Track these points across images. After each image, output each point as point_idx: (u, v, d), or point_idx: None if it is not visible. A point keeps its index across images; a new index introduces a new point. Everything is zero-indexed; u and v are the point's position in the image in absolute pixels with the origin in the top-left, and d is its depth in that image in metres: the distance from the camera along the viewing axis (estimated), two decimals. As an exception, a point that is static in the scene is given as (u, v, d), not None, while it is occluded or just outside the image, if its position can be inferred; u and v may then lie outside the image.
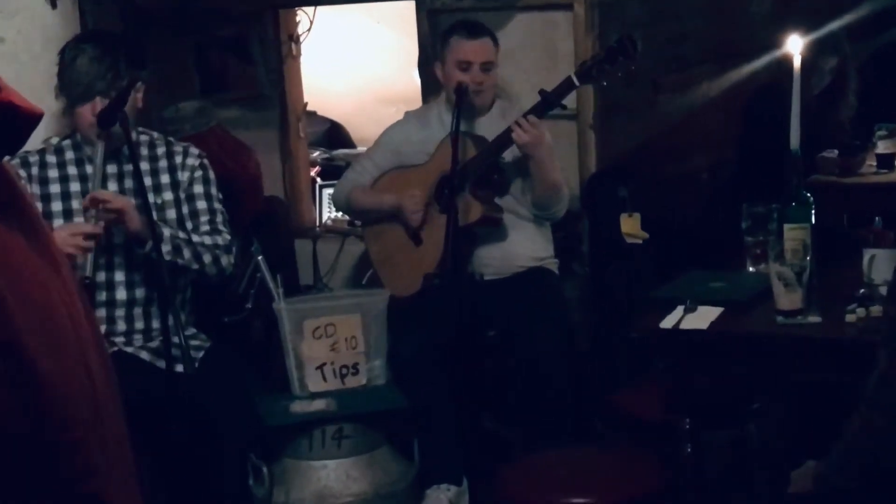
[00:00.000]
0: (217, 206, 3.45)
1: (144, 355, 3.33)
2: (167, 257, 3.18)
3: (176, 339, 3.03)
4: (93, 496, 1.40)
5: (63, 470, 1.37)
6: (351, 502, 3.05)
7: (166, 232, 3.23)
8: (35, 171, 3.36)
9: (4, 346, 1.30)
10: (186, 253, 3.28)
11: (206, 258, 3.32)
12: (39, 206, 3.33)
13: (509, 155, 3.92)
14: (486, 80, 3.92)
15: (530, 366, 3.78)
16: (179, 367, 3.09)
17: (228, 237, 3.42)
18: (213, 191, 3.46)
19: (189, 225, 3.38)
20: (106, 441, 1.47)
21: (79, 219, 3.23)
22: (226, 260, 3.39)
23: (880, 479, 2.19)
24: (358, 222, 4.52)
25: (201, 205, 3.43)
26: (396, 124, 4.24)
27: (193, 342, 3.36)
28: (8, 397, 1.31)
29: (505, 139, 3.83)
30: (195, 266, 3.31)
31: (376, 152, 4.21)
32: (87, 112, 3.24)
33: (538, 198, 3.92)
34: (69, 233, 3.12)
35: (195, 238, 3.31)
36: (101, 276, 3.31)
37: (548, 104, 3.78)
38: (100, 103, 3.18)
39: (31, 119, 1.36)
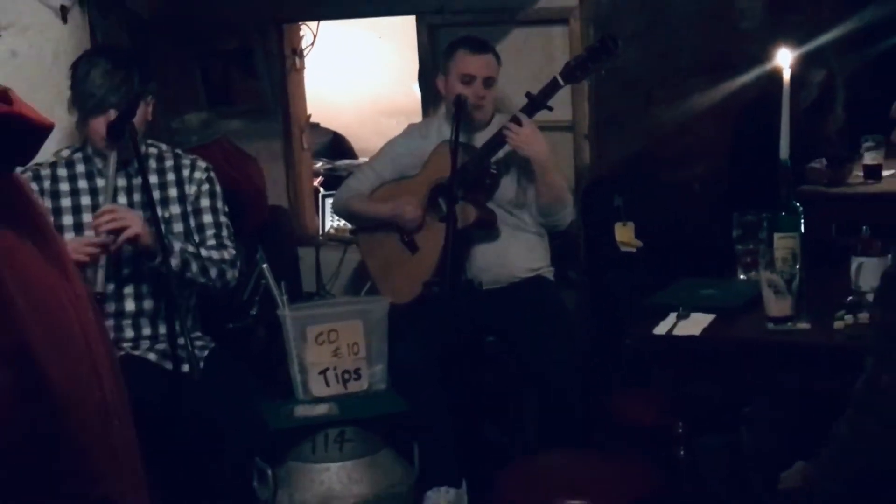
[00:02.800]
0: (223, 219, 3.45)
1: (151, 356, 3.33)
2: (176, 270, 3.18)
3: (182, 341, 3.03)
4: (103, 498, 1.41)
5: (73, 473, 1.37)
6: (353, 504, 3.05)
7: (176, 246, 3.22)
8: (47, 184, 3.35)
9: (14, 353, 1.30)
10: (194, 266, 3.28)
11: (213, 272, 3.32)
12: (51, 218, 3.33)
13: (503, 163, 3.92)
14: (487, 94, 3.94)
15: (530, 372, 3.78)
16: (185, 368, 3.09)
17: (234, 251, 3.42)
18: (220, 204, 3.46)
19: (196, 238, 3.38)
20: (114, 445, 1.47)
21: (89, 232, 3.23)
22: (230, 274, 3.39)
23: (870, 483, 2.19)
24: (356, 230, 4.52)
25: (208, 218, 3.43)
26: (398, 136, 4.25)
27: (198, 343, 3.37)
28: (20, 403, 1.31)
29: (495, 142, 3.84)
30: (202, 279, 3.30)
31: (378, 162, 4.22)
32: (101, 124, 3.24)
33: (544, 205, 3.92)
34: (82, 244, 3.13)
35: (203, 252, 3.31)
36: (111, 288, 3.31)
37: (535, 105, 3.79)
38: (112, 115, 3.18)
39: (42, 131, 1.36)
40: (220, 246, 3.39)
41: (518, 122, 3.77)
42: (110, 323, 3.33)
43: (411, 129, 4.28)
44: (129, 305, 3.33)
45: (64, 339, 1.40)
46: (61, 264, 1.49)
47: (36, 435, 1.33)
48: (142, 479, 1.54)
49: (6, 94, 1.35)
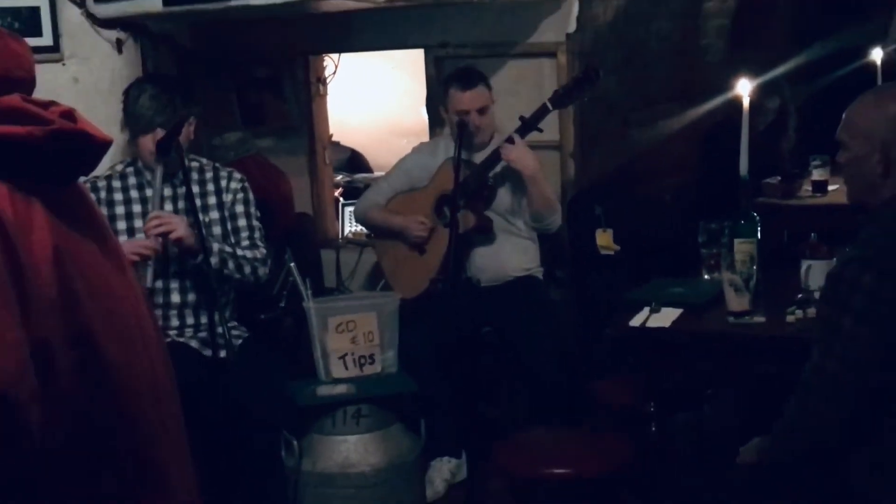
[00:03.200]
0: (255, 223, 3.46)
1: (194, 343, 3.34)
2: (215, 267, 3.19)
3: (220, 330, 3.04)
4: (151, 460, 1.41)
5: (128, 441, 1.38)
6: (368, 471, 3.05)
7: (215, 246, 3.23)
8: (103, 195, 3.36)
9: (79, 337, 1.30)
10: (231, 264, 3.28)
11: (247, 269, 3.33)
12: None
13: (500, 177, 3.93)
14: (483, 121, 3.92)
15: (522, 358, 3.78)
16: (222, 354, 3.09)
17: (265, 251, 3.43)
18: (252, 210, 3.47)
19: (232, 239, 3.38)
20: (164, 418, 1.47)
21: (140, 235, 3.24)
22: (262, 270, 3.39)
23: (815, 455, 2.20)
24: (372, 234, 4.53)
25: (242, 222, 3.43)
26: (411, 153, 4.26)
27: (234, 332, 3.37)
28: (84, 380, 1.31)
29: (493, 159, 3.85)
30: (237, 275, 3.31)
31: (393, 175, 4.22)
32: (148, 141, 3.25)
33: (535, 212, 3.91)
34: (132, 249, 3.13)
35: (238, 252, 3.32)
36: (159, 284, 3.31)
37: (527, 127, 3.80)
38: (159, 134, 3.19)
39: (101, 146, 1.37)
40: (253, 246, 3.40)
41: (512, 142, 3.78)
42: (158, 313, 3.33)
43: (421, 146, 4.29)
44: (175, 298, 3.34)
45: (120, 325, 1.40)
46: (118, 262, 1.50)
47: (97, 405, 1.34)
48: (185, 446, 1.55)
49: (72, 113, 1.36)
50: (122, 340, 1.38)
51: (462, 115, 3.86)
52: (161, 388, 1.47)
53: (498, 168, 3.90)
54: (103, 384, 1.34)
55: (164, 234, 3.15)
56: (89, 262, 1.38)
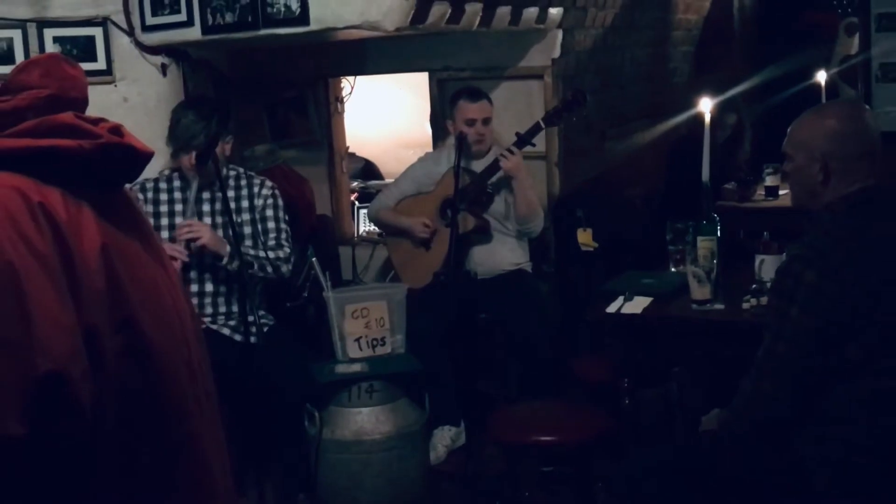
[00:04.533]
0: (283, 226, 3.44)
1: (226, 331, 3.33)
2: (235, 269, 3.18)
3: (251, 318, 3.03)
4: (189, 434, 1.40)
5: (166, 415, 1.37)
6: (379, 439, 3.05)
7: (241, 250, 3.23)
8: (150, 195, 3.36)
9: (125, 321, 1.30)
10: (255, 265, 3.27)
11: (269, 269, 3.31)
12: (151, 220, 3.33)
13: (497, 185, 3.92)
14: (486, 131, 3.93)
15: (513, 341, 3.78)
16: (252, 339, 3.09)
17: (288, 251, 3.41)
18: (281, 214, 3.45)
19: (261, 239, 3.38)
20: (199, 395, 1.46)
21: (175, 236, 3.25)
22: (285, 268, 3.37)
23: (767, 427, 2.19)
24: (383, 233, 4.52)
25: (271, 225, 3.42)
26: (417, 161, 4.25)
27: (263, 320, 3.36)
28: (129, 361, 1.30)
29: (492, 168, 3.84)
30: (260, 274, 3.30)
31: (402, 181, 4.22)
32: (188, 158, 3.25)
33: (521, 216, 3.91)
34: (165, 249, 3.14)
35: (261, 254, 3.30)
36: (194, 275, 3.31)
37: (522, 141, 3.80)
38: (197, 152, 3.19)
39: (145, 156, 1.37)
40: (278, 246, 3.39)
41: (511, 153, 3.78)
42: (195, 301, 3.33)
43: (426, 156, 4.28)
44: (209, 287, 3.33)
45: (160, 312, 1.39)
46: (158, 257, 1.49)
47: (140, 384, 1.33)
48: (219, 421, 1.54)
49: (119, 128, 1.36)
50: (161, 326, 1.38)
51: (469, 124, 3.86)
52: (196, 368, 1.46)
53: (496, 177, 3.89)
54: (146, 366, 1.33)
55: (192, 240, 3.15)
56: (133, 257, 1.38)
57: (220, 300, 3.35)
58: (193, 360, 1.45)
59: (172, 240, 3.22)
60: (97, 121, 1.32)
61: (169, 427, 1.37)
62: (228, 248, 3.17)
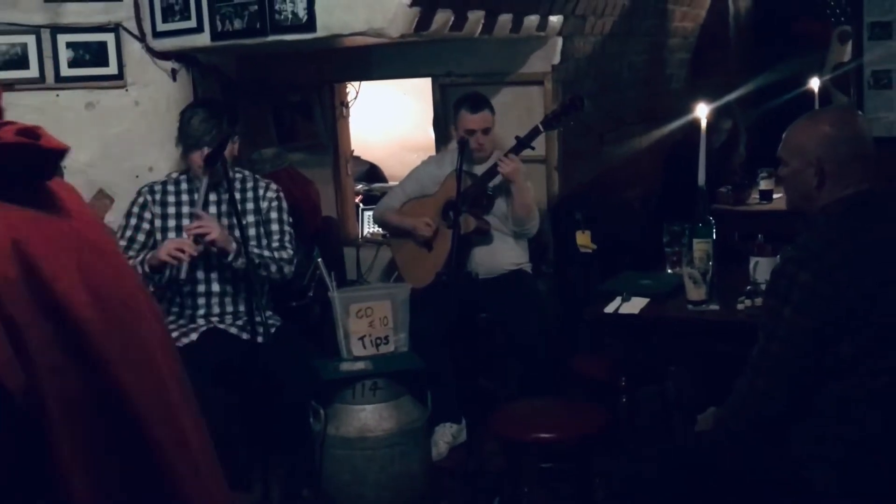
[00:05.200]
0: (287, 228, 3.44)
1: (233, 330, 3.33)
2: (241, 267, 3.18)
3: (258, 318, 3.03)
4: (152, 436, 1.23)
5: (121, 410, 1.21)
6: (382, 436, 3.04)
7: (244, 248, 3.23)
8: (158, 196, 3.36)
9: (53, 309, 1.17)
10: (259, 264, 3.27)
11: (273, 268, 3.30)
12: (160, 221, 3.33)
13: (495, 186, 3.92)
14: (486, 140, 3.93)
15: (514, 340, 3.78)
16: (260, 339, 3.09)
17: (291, 252, 3.40)
18: (285, 217, 3.45)
19: (265, 241, 3.38)
20: (164, 388, 1.29)
21: (184, 234, 3.24)
22: (287, 269, 3.37)
23: (761, 424, 2.19)
24: (387, 234, 4.52)
25: (275, 227, 3.42)
26: (421, 164, 4.26)
27: (270, 321, 3.36)
28: (63, 351, 1.23)
29: (492, 172, 3.84)
30: (264, 273, 3.29)
31: (406, 183, 4.22)
32: (198, 157, 3.24)
33: (517, 218, 3.91)
34: (173, 245, 3.13)
35: (266, 253, 3.30)
36: (202, 275, 3.31)
37: (521, 145, 3.80)
38: (206, 151, 3.19)
39: (55, 154, 1.29)
40: (282, 248, 3.38)
41: (509, 158, 3.78)
42: (203, 301, 3.33)
43: (430, 159, 4.28)
44: (215, 287, 3.33)
45: (105, 296, 1.23)
46: (102, 245, 1.30)
47: (85, 376, 1.19)
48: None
49: (33, 130, 1.30)
50: (107, 311, 1.30)
51: (469, 134, 3.87)
52: (162, 364, 1.30)
53: (496, 180, 3.89)
54: (88, 356, 1.20)
55: (201, 236, 3.14)
56: (61, 248, 1.27)
57: (228, 300, 3.35)
58: (154, 352, 1.29)
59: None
60: (4, 124, 1.28)
61: (129, 427, 1.23)
62: (235, 245, 3.17)
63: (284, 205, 3.45)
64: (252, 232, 3.36)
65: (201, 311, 3.33)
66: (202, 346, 3.23)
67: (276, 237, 3.40)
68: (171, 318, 3.33)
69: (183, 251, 3.12)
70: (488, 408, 3.26)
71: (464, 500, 3.27)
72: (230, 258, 3.19)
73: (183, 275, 3.17)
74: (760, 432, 2.18)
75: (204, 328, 3.30)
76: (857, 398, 2.04)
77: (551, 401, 3.25)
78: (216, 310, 3.33)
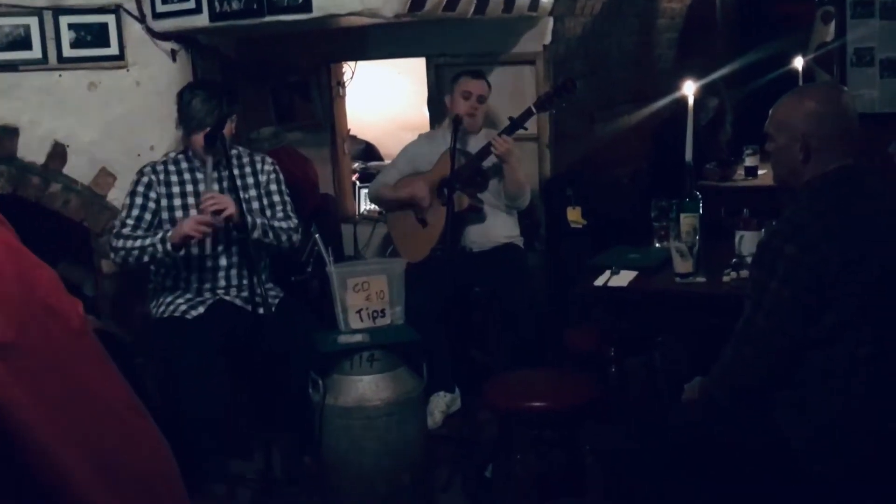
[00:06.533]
0: (287, 198, 3.43)
1: (238, 302, 3.32)
2: (256, 237, 3.18)
3: (259, 291, 3.02)
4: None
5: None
6: (379, 405, 3.04)
7: (258, 220, 3.22)
8: (161, 177, 3.33)
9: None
10: (270, 234, 3.27)
11: (283, 237, 3.31)
12: (165, 201, 3.31)
13: (489, 165, 3.90)
14: (480, 108, 3.93)
15: (506, 312, 3.77)
16: (261, 311, 3.08)
17: (296, 221, 3.40)
18: (284, 188, 3.44)
19: (268, 213, 3.36)
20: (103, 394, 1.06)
21: (193, 211, 3.22)
22: (295, 237, 3.38)
23: (744, 392, 2.19)
24: (383, 211, 4.50)
25: (276, 198, 3.41)
26: (413, 142, 4.23)
27: (271, 293, 3.36)
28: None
29: (485, 151, 3.82)
30: (275, 243, 3.29)
31: (399, 161, 4.19)
32: (200, 138, 3.22)
33: (509, 193, 3.91)
34: (196, 221, 3.12)
35: (275, 223, 3.30)
36: (209, 249, 3.30)
37: (514, 126, 3.78)
38: (207, 131, 3.16)
39: None
40: (286, 217, 3.38)
41: (502, 138, 3.76)
42: (209, 275, 3.32)
43: (422, 137, 4.26)
44: (223, 261, 3.33)
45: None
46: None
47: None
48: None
49: None
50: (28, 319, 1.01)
51: (465, 96, 3.87)
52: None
53: (490, 160, 3.88)
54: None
55: (218, 212, 3.12)
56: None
57: (233, 272, 3.34)
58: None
59: (199, 213, 3.19)
60: None
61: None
62: (249, 218, 3.16)
63: (281, 176, 3.45)
64: (255, 205, 3.36)
65: (208, 285, 3.32)
66: (209, 318, 3.23)
67: (279, 208, 3.39)
68: (179, 291, 3.32)
69: (208, 225, 3.11)
70: (481, 378, 3.26)
71: (458, 468, 3.27)
72: (249, 230, 3.17)
73: (208, 250, 3.19)
74: (744, 400, 2.18)
75: (211, 301, 3.29)
76: (840, 368, 2.03)
77: (543, 371, 3.25)
78: (222, 283, 3.33)
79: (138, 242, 3.20)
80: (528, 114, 3.79)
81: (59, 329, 1.03)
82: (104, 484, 1.02)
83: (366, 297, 3.18)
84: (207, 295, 3.31)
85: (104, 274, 3.72)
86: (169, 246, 3.16)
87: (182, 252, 3.22)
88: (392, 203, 4.15)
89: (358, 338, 3.12)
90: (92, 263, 3.76)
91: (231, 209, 3.12)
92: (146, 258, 3.20)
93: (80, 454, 1.01)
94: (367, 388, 3.07)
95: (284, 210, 3.39)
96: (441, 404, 3.71)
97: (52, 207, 3.61)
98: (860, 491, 2.04)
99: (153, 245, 3.17)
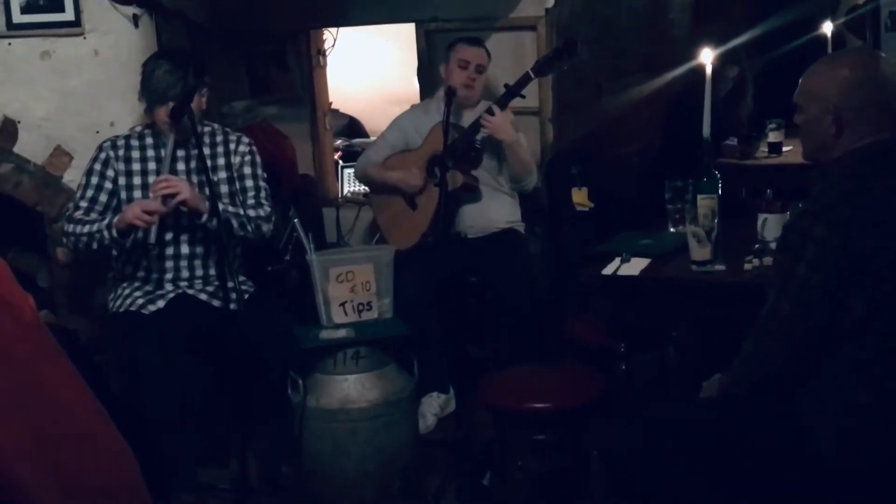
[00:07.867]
0: (262, 184, 3.41)
1: (203, 296, 3.31)
2: (215, 227, 3.13)
3: (231, 284, 3.01)
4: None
5: None
6: (365, 407, 3.04)
7: (220, 207, 3.19)
8: (121, 152, 3.32)
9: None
10: (234, 223, 3.24)
11: (250, 227, 3.27)
12: (123, 179, 3.29)
13: (483, 140, 3.89)
14: (478, 78, 3.92)
15: (504, 304, 3.77)
16: (233, 306, 3.06)
17: (269, 209, 3.37)
18: (259, 172, 3.42)
19: (239, 198, 3.34)
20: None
21: (150, 194, 3.19)
22: (266, 227, 3.34)
23: (766, 385, 2.19)
24: (369, 192, 4.48)
25: (249, 183, 3.39)
26: (406, 112, 4.23)
27: (243, 287, 3.34)
28: None
29: (477, 125, 3.81)
30: (241, 233, 3.27)
31: (389, 133, 4.17)
32: (163, 112, 3.20)
33: (514, 174, 3.91)
34: (140, 208, 3.09)
35: (241, 211, 3.27)
36: (170, 236, 3.28)
37: (511, 94, 3.77)
38: (171, 105, 3.14)
39: None
40: (258, 205, 3.35)
41: (491, 113, 3.74)
42: (171, 264, 3.30)
43: (415, 108, 4.25)
44: (184, 249, 3.31)
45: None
46: None
47: None
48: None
49: None
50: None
51: (462, 66, 3.86)
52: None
53: (483, 133, 3.86)
54: None
55: (170, 196, 3.10)
56: None
57: (197, 263, 3.32)
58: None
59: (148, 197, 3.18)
60: None
61: None
62: (207, 204, 3.13)
63: (258, 159, 3.42)
64: (224, 189, 3.33)
65: (169, 276, 3.30)
66: (170, 313, 3.21)
67: (251, 194, 3.36)
68: (137, 283, 3.30)
69: (151, 213, 3.08)
70: (478, 375, 3.26)
71: (453, 475, 3.27)
72: (203, 219, 3.15)
73: (152, 238, 3.14)
74: (766, 395, 2.18)
75: (172, 294, 3.27)
76: (871, 360, 2.03)
77: (544, 367, 3.25)
78: (185, 273, 3.31)
79: (86, 228, 3.18)
80: (525, 80, 3.77)
81: (10, 322, 1.03)
82: (61, 493, 1.02)
83: (350, 289, 3.17)
84: (169, 287, 3.29)
85: (60, 263, 3.70)
86: (115, 233, 3.13)
87: (129, 241, 3.17)
88: (380, 185, 4.14)
89: (342, 333, 3.11)
90: (46, 251, 3.74)
91: (185, 194, 3.10)
92: (95, 245, 3.18)
93: (35, 460, 1.00)
94: (351, 388, 3.06)
95: (257, 197, 3.36)
96: (434, 406, 3.71)
97: (1, 190, 3.59)
98: (889, 490, 2.05)
99: (100, 231, 3.15)
